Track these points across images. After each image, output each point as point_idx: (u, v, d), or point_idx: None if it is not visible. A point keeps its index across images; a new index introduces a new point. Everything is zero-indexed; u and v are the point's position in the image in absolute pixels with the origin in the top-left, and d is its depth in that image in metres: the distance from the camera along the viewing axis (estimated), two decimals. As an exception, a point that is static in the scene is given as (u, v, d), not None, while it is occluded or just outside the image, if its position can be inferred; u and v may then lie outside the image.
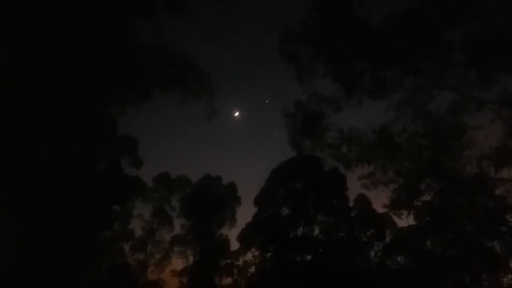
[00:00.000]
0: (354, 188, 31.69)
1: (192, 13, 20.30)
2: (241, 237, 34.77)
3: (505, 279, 24.55)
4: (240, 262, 36.55)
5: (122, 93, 21.85)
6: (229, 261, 37.33)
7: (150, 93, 22.02)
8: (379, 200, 28.54)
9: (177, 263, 39.45)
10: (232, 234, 39.37)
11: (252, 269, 35.02)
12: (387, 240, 31.94)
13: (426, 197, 26.08)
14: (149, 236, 39.03)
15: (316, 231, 32.87)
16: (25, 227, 19.28)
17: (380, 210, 31.34)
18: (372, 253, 32.25)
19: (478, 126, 22.28)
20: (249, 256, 35.35)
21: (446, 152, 23.17)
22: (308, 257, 31.87)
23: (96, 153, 29.39)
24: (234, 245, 37.10)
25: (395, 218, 30.53)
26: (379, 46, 20.35)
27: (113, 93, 22.26)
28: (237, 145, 76.11)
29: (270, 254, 32.64)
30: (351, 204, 33.69)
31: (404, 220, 28.42)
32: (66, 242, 22.97)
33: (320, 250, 31.68)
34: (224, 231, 39.72)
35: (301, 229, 32.90)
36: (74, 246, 24.39)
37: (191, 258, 38.74)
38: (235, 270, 36.64)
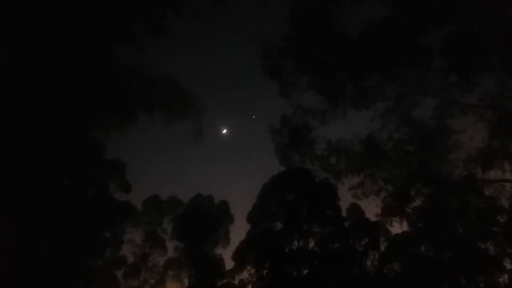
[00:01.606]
0: (346, 198, 31.70)
1: (173, 34, 20.36)
2: (235, 256, 34.36)
3: (501, 280, 24.62)
4: (236, 281, 35.96)
5: (106, 117, 21.72)
6: (225, 281, 36.75)
7: (134, 116, 21.93)
8: (372, 208, 28.60)
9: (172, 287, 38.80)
10: (226, 253, 38.89)
11: (249, 287, 34.57)
12: (382, 248, 31.95)
13: (417, 203, 26.17)
14: (142, 261, 38.31)
15: (311, 243, 32.76)
16: (14, 256, 18.82)
17: (373, 218, 31.42)
18: (368, 262, 32.16)
19: (462, 129, 22.63)
20: (245, 275, 34.87)
21: (433, 156, 23.40)
22: (305, 271, 31.64)
23: (83, 179, 29.05)
24: (229, 264, 36.68)
25: (389, 225, 30.57)
26: (359, 56, 20.70)
27: (96, 117, 22.09)
28: (227, 162, 75.66)
29: (266, 270, 32.29)
30: (343, 214, 33.77)
31: (398, 227, 28.48)
32: (57, 272, 22.47)
33: (316, 262, 31.48)
34: (219, 250, 39.28)
35: (296, 242, 32.72)
36: (66, 275, 23.86)
37: (186, 281, 38.11)
38: (232, 290, 36.07)
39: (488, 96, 20.81)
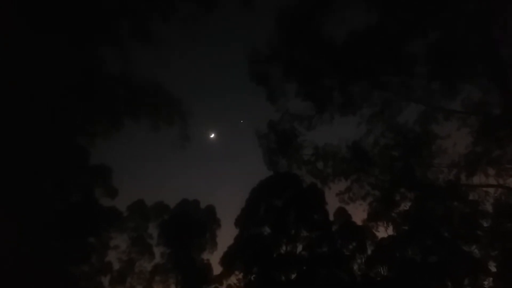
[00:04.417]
0: (333, 202, 31.89)
1: (160, 39, 20.22)
2: (223, 261, 34.24)
3: (486, 282, 25.02)
4: (224, 287, 35.85)
5: (91, 123, 21.47)
6: (212, 286, 36.57)
7: (120, 122, 21.70)
8: (359, 212, 28.84)
9: (159, 294, 38.43)
10: (214, 258, 38.79)
11: (237, 292, 34.46)
12: (369, 252, 32.22)
13: (403, 208, 26.42)
14: (128, 267, 37.87)
15: (299, 248, 32.84)
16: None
17: (360, 222, 31.68)
18: (355, 266, 32.38)
19: (446, 135, 22.85)
20: (233, 280, 34.81)
21: (417, 161, 23.62)
22: (293, 276, 31.66)
23: (68, 185, 28.65)
24: (217, 269, 36.53)
25: (375, 229, 30.85)
26: (345, 63, 20.85)
27: (82, 123, 21.84)
28: (214, 167, 75.52)
29: (254, 275, 32.23)
30: (331, 218, 33.95)
31: (384, 231, 28.72)
32: (41, 279, 22.10)
33: (304, 267, 31.54)
34: (206, 255, 39.18)
35: (284, 247, 32.75)
36: (51, 282, 23.49)
37: (173, 287, 37.84)
38: (220, 295, 35.90)
39: (471, 102, 21.07)
